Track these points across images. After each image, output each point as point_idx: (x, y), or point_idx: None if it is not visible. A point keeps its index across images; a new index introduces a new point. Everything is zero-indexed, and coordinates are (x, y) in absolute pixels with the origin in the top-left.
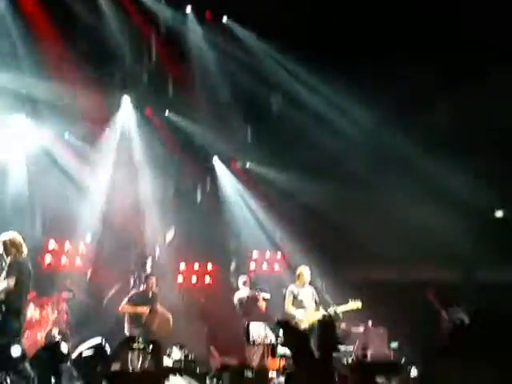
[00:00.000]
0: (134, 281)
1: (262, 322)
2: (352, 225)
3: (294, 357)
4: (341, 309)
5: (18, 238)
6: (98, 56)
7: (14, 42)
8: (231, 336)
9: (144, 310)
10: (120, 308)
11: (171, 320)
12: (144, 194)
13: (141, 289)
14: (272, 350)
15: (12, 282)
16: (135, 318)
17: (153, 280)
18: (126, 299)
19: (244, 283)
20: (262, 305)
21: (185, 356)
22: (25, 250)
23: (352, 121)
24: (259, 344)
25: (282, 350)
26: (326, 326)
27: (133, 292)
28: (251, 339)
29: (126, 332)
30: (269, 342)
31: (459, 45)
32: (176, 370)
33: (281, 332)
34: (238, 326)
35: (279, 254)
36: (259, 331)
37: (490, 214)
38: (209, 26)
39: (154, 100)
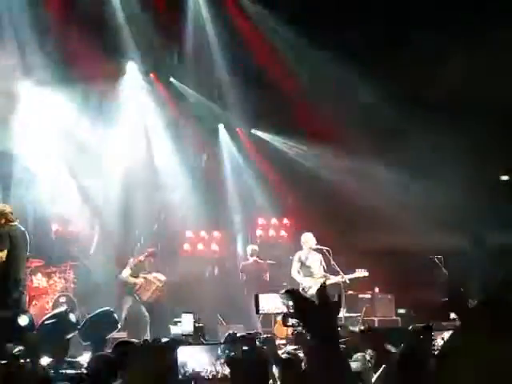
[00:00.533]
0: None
1: (272, 294)
2: (359, 192)
3: (304, 326)
4: (348, 277)
5: (6, 208)
6: (103, 21)
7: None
8: (237, 303)
9: (141, 281)
10: (122, 275)
11: (163, 288)
12: (150, 161)
13: (141, 258)
14: (283, 318)
15: (3, 254)
16: (129, 287)
17: (153, 258)
18: (128, 267)
19: (252, 253)
20: (266, 275)
21: (194, 324)
22: (16, 219)
23: (354, 91)
24: (268, 314)
25: (292, 319)
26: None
27: (133, 260)
28: (261, 310)
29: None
30: (279, 311)
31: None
32: (186, 341)
33: (290, 302)
34: (243, 293)
35: (285, 220)
36: (269, 302)
37: (496, 178)
38: None
39: (158, 66)
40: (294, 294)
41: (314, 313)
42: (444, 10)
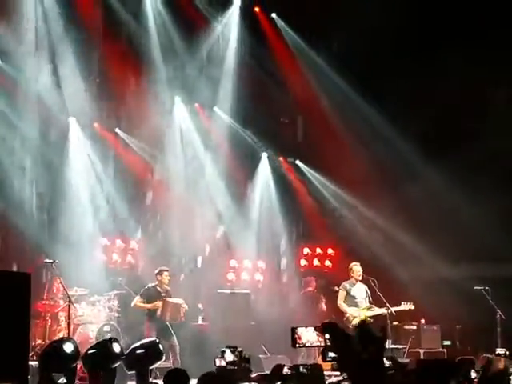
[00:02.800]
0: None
1: (309, 326)
2: (402, 222)
3: (340, 361)
4: (394, 309)
5: None
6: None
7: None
8: (279, 334)
9: (155, 305)
10: (133, 304)
11: (183, 308)
12: (197, 190)
13: (155, 283)
14: (322, 354)
15: None
16: (150, 313)
17: (165, 275)
18: (138, 296)
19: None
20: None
21: (239, 357)
22: None
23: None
24: (307, 347)
25: (332, 353)
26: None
27: (146, 287)
28: (298, 344)
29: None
30: (317, 345)
31: None
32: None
33: (327, 335)
34: (286, 323)
35: (330, 250)
36: (306, 335)
37: None
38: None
39: (202, 97)
40: (332, 328)
41: (351, 347)
42: None
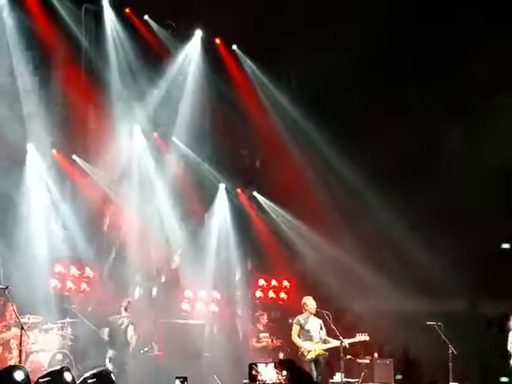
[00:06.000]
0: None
1: (268, 363)
2: (359, 256)
3: None
4: (348, 341)
5: None
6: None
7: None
8: (233, 365)
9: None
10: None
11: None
12: (153, 220)
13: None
14: None
15: None
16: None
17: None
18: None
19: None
20: None
21: None
22: None
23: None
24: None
25: None
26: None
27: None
28: (258, 381)
29: None
30: (277, 382)
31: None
32: None
33: (285, 372)
34: (240, 354)
35: (285, 282)
36: (265, 372)
37: (497, 246)
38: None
39: (161, 127)
40: (290, 364)
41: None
42: None
